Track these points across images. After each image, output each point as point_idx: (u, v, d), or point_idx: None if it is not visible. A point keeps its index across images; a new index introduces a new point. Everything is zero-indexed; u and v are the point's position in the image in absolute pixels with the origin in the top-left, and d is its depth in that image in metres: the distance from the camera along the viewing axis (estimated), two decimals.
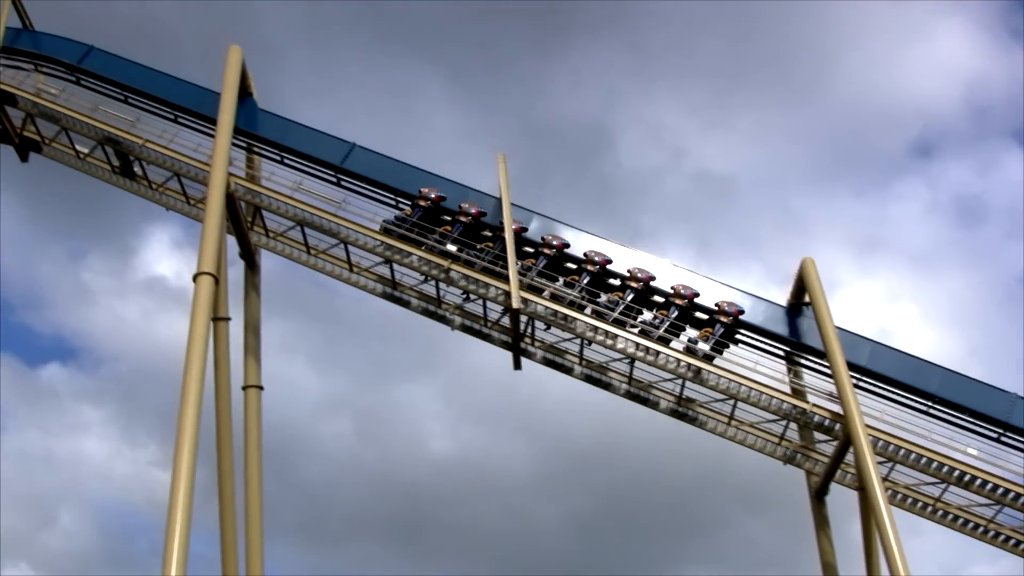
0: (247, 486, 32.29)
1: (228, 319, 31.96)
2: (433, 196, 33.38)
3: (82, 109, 36.30)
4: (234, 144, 33.19)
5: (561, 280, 32.29)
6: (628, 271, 32.25)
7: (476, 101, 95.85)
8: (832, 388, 29.87)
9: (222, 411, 31.97)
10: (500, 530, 71.83)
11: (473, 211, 33.07)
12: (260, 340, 34.14)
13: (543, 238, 32.84)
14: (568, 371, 32.42)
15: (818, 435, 30.83)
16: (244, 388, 33.29)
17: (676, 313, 31.55)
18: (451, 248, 32.11)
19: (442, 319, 33.19)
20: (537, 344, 32.38)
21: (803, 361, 32.14)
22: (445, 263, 31.70)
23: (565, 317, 31.15)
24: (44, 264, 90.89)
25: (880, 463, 28.74)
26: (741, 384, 30.31)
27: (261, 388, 33.53)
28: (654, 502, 69.60)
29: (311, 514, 71.75)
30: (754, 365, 30.90)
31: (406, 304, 33.50)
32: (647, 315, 31.62)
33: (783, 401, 30.32)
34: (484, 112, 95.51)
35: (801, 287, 31.90)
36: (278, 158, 35.15)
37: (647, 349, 30.73)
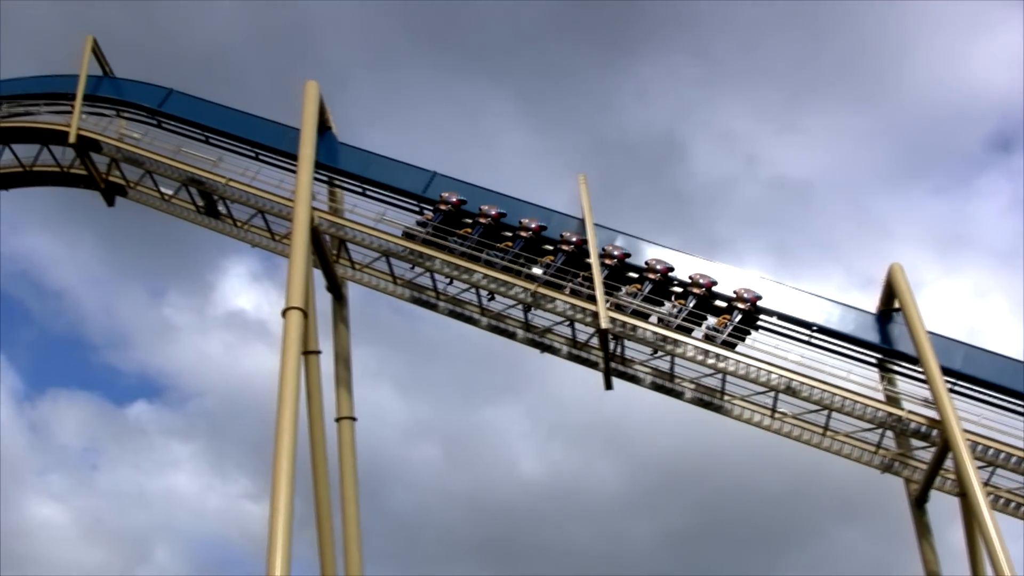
0: (344, 516, 33.18)
1: (318, 352, 32.89)
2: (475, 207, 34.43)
3: (165, 152, 37.64)
4: (316, 178, 34.18)
5: (623, 289, 32.84)
6: (690, 277, 32.84)
7: (544, 119, 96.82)
8: (927, 394, 30.09)
9: (317, 443, 32.90)
10: (594, 550, 72.13)
11: (533, 226, 33.80)
12: (351, 372, 35.13)
13: (604, 249, 33.36)
14: (677, 394, 32.84)
15: (915, 442, 31.04)
16: (337, 420, 34.27)
17: (694, 302, 32.30)
18: (537, 271, 32.74)
19: (533, 343, 33.85)
20: (628, 363, 32.86)
21: (896, 368, 32.34)
22: (532, 287, 32.35)
23: (663, 337, 31.65)
24: (125, 303, 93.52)
25: (980, 467, 28.80)
26: (835, 394, 30.59)
27: (354, 419, 34.46)
28: (747, 514, 69.66)
29: (405, 540, 72.73)
30: (846, 374, 31.20)
31: (475, 323, 34.37)
32: (711, 320, 32.28)
33: (878, 409, 30.55)
34: (553, 129, 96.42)
35: (890, 293, 32.26)
36: (360, 190, 36.16)
37: (737, 363, 31.14)
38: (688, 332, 31.73)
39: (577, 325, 32.73)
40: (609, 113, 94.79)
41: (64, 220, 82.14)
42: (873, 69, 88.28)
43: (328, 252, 34.86)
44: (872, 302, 33.07)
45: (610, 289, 32.37)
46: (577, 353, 33.26)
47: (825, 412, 30.94)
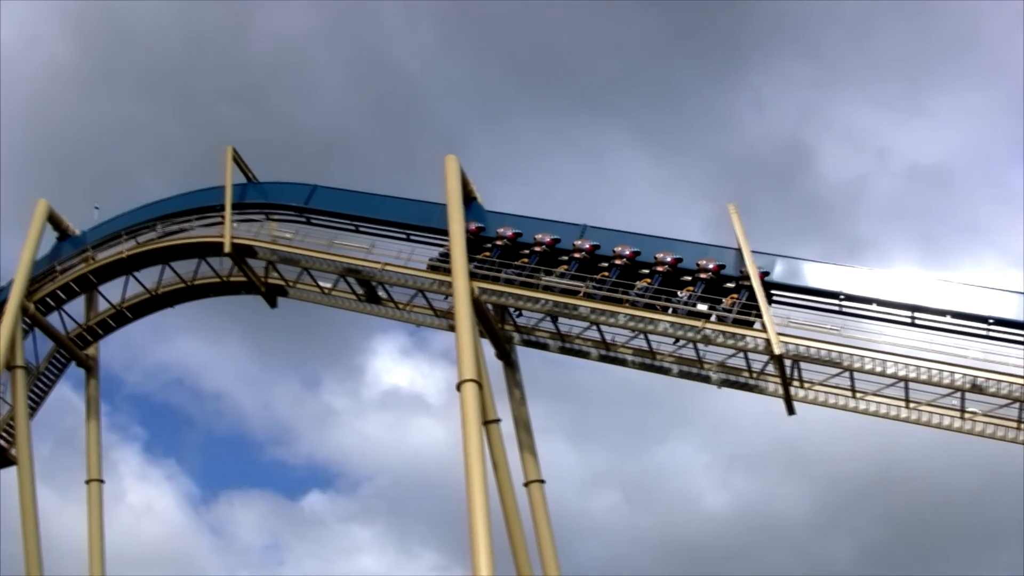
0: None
1: (498, 420, 34.63)
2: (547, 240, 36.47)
3: (318, 247, 40.00)
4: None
5: (680, 293, 34.71)
6: (697, 263, 34.94)
7: (665, 147, 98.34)
8: None
9: (509, 510, 34.73)
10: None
11: (669, 259, 35.25)
12: (532, 435, 36.71)
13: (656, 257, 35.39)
14: (862, 412, 33.36)
15: None
16: (526, 484, 35.81)
17: (703, 287, 34.22)
18: (702, 308, 33.88)
19: (702, 378, 35.04)
20: (807, 385, 33.66)
21: None
22: (699, 324, 33.48)
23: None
24: (281, 397, 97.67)
25: None
26: None
27: (542, 482, 35.92)
28: (945, 519, 69.24)
29: None
30: None
31: (665, 372, 35.50)
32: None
33: None
34: (675, 157, 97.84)
35: None
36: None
37: (917, 368, 31.71)
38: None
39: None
40: (729, 130, 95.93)
41: (206, 324, 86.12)
42: (992, 41, 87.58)
43: (492, 321, 36.61)
44: None
45: (668, 295, 34.48)
46: (753, 383, 34.32)
47: (1016, 405, 31.25)
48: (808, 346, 32.57)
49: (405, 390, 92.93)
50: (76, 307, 46.06)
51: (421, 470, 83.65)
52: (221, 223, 41.46)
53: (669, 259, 35.24)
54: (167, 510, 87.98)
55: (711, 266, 34.80)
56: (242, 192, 42.58)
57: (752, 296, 33.48)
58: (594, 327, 35.57)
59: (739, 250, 34.44)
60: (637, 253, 35.74)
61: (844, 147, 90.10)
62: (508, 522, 34.91)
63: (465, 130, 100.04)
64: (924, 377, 31.72)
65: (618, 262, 35.68)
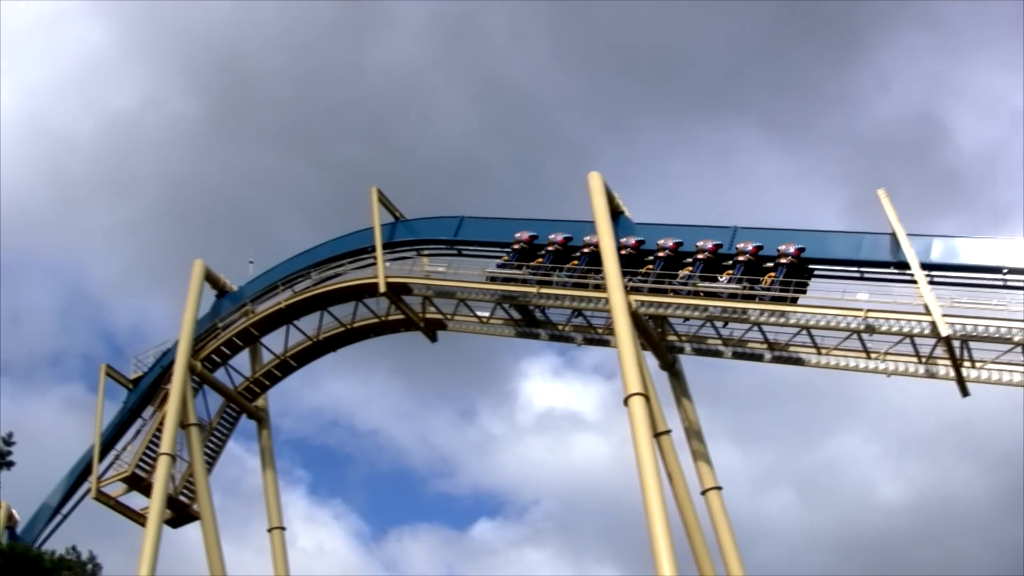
0: None
1: (668, 431, 35.58)
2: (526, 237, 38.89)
3: (471, 278, 41.54)
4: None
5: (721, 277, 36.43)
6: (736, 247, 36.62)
7: (793, 138, 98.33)
8: None
9: (688, 519, 35.69)
10: (981, 561, 71.27)
11: (792, 250, 36.21)
12: (705, 442, 37.60)
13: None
14: None
15: None
16: (703, 493, 36.68)
17: (741, 270, 35.81)
18: (863, 296, 34.44)
19: (871, 369, 35.45)
20: (978, 365, 33.78)
21: None
22: (862, 313, 34.00)
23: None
24: (437, 429, 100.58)
25: None
26: None
27: (720, 488, 36.81)
28: None
29: None
30: None
31: (835, 366, 36.05)
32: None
33: None
34: (805, 146, 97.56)
35: None
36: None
37: None
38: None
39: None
40: (856, 111, 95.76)
41: (353, 364, 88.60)
42: None
43: (652, 333, 37.63)
44: None
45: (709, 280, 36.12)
46: (924, 369, 34.55)
47: None
48: (976, 324, 32.76)
49: (561, 410, 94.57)
50: (241, 361, 48.46)
51: (588, 487, 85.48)
52: (374, 264, 43.10)
53: (792, 250, 36.13)
54: (338, 550, 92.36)
55: (750, 248, 36.42)
56: (391, 231, 44.24)
57: (789, 273, 35.36)
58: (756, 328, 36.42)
59: (893, 235, 34.73)
60: (760, 248, 36.74)
61: (977, 113, 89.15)
62: (689, 532, 35.82)
63: (589, 141, 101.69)
64: None
65: (516, 246, 39.16)
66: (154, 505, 41.40)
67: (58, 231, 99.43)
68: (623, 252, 37.45)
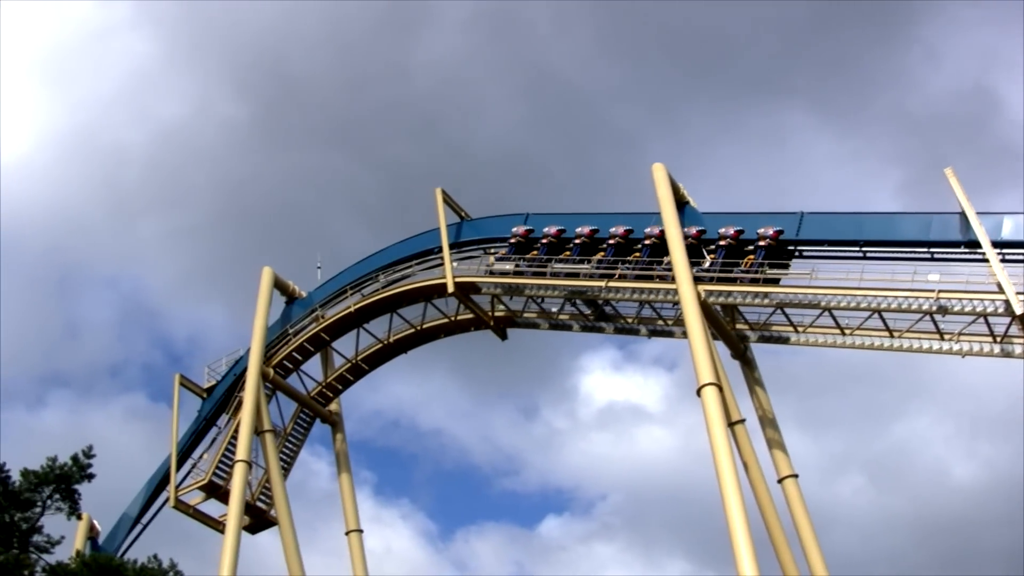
0: (812, 572, 35.68)
1: (742, 420, 35.91)
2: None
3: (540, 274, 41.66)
4: None
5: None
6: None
7: (846, 120, 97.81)
8: None
9: (766, 508, 36.04)
10: None
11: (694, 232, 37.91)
12: (780, 430, 37.83)
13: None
14: None
15: None
16: (780, 481, 36.98)
17: (724, 253, 37.07)
18: (934, 277, 34.54)
19: (945, 351, 35.63)
20: None
21: None
22: (934, 294, 34.12)
23: None
24: (499, 427, 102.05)
25: None
26: None
27: (796, 476, 37.09)
28: None
29: None
30: None
31: (907, 349, 36.20)
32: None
33: None
34: (857, 127, 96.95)
35: None
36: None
37: None
38: None
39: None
40: (908, 89, 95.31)
41: (412, 365, 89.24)
42: None
43: (722, 322, 38.03)
44: None
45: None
46: (991, 348, 34.68)
47: None
48: None
49: (622, 403, 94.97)
50: (313, 366, 49.30)
51: (655, 480, 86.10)
52: (441, 265, 43.74)
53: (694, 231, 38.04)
54: (407, 550, 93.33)
55: (731, 232, 37.56)
56: (457, 231, 44.90)
57: (768, 255, 36.68)
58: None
59: (961, 214, 34.71)
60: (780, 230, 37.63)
61: None
62: (766, 521, 36.18)
63: (638, 130, 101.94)
64: None
65: (512, 241, 41.59)
66: (232, 512, 42.26)
67: (114, 243, 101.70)
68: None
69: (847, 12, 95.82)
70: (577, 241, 40.81)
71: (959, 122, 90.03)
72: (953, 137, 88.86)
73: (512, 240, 42.16)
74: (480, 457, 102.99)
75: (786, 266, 37.63)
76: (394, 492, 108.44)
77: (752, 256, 37.11)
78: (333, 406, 49.20)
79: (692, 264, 37.05)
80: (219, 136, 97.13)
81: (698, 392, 33.88)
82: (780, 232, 37.58)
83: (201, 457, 48.20)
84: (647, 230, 39.49)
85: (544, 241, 41.44)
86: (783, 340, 38.34)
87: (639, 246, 39.70)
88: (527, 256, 41.51)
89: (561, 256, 40.74)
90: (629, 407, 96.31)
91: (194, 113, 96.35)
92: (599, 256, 40.23)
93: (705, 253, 38.08)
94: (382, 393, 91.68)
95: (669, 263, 37.32)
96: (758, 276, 36.93)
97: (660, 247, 38.44)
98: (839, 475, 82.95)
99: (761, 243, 37.38)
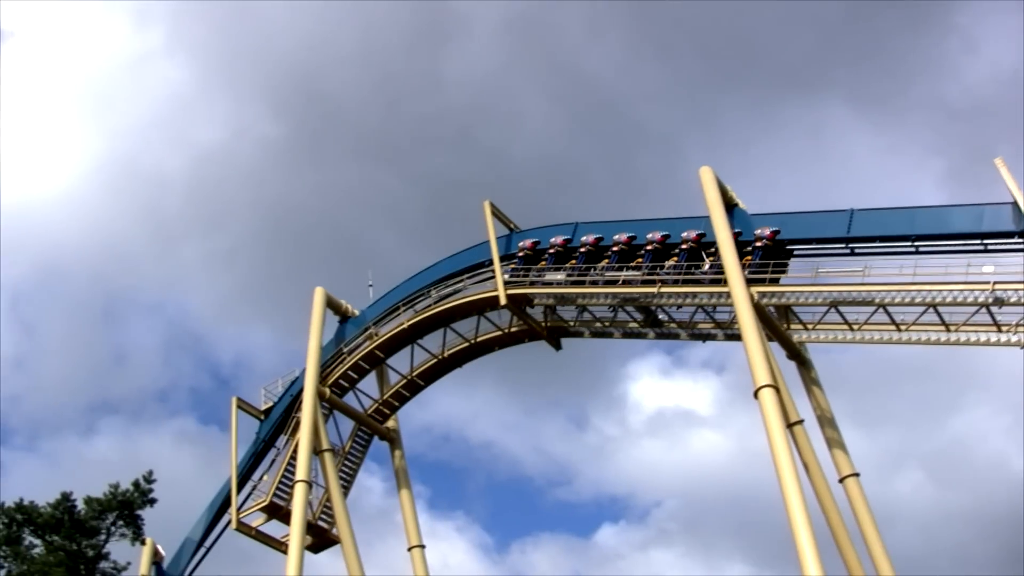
0: (877, 571, 35.67)
1: (801, 421, 36.01)
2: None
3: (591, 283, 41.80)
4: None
5: None
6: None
7: (883, 111, 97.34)
8: None
9: (828, 508, 36.13)
10: None
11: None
12: (839, 430, 37.89)
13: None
14: None
15: None
16: (841, 480, 36.99)
17: (685, 256, 38.27)
18: (988, 269, 34.41)
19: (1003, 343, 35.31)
20: None
21: None
22: (990, 287, 34.03)
23: None
24: (550, 437, 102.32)
25: None
26: None
27: (857, 475, 37.09)
28: None
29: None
30: None
31: (964, 343, 35.94)
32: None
33: None
34: (895, 119, 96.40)
35: None
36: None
37: None
38: None
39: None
40: (947, 78, 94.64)
41: (458, 379, 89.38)
42: None
43: (776, 324, 38.09)
44: None
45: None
46: None
47: None
48: None
49: (672, 409, 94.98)
50: (369, 384, 49.76)
51: (710, 484, 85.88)
52: (492, 278, 44.04)
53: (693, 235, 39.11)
54: (464, 562, 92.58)
55: (693, 235, 38.71)
56: (507, 243, 45.10)
57: (766, 255, 37.14)
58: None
59: (1013, 204, 34.46)
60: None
61: None
62: (829, 521, 36.27)
63: (676, 132, 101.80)
64: None
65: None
66: (294, 532, 42.61)
67: (156, 268, 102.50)
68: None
69: (880, 3, 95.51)
70: (615, 248, 41.19)
71: (999, 109, 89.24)
72: (994, 125, 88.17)
73: (551, 250, 42.54)
74: (532, 468, 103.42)
75: (784, 266, 37.80)
76: (448, 506, 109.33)
77: (749, 257, 37.46)
78: (390, 423, 49.60)
79: (694, 267, 38.29)
80: (257, 157, 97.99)
81: (755, 394, 33.96)
82: (776, 232, 37.98)
83: (261, 478, 48.61)
84: (683, 235, 39.93)
85: (583, 250, 41.85)
86: (840, 340, 38.02)
87: (676, 251, 40.06)
88: (565, 266, 42.00)
89: (600, 264, 41.15)
90: (680, 412, 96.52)
91: (231, 135, 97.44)
92: (637, 262, 40.55)
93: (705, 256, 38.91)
94: (430, 409, 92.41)
95: (713, 266, 37.93)
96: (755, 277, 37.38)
97: (662, 253, 40.18)
98: (897, 472, 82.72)
99: (758, 244, 37.91)
